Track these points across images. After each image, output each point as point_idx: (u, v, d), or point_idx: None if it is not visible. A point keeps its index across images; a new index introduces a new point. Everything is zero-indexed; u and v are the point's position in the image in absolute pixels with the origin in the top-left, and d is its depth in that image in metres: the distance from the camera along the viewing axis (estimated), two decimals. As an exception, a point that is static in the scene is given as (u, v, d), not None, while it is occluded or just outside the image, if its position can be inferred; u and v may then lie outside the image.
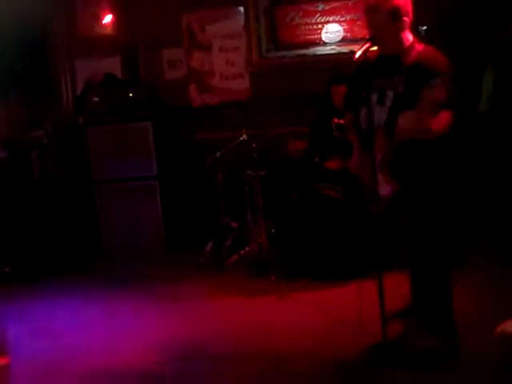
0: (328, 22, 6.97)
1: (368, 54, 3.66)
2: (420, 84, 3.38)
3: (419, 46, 3.67)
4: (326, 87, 6.01)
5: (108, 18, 7.25)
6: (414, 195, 3.63)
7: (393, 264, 3.93)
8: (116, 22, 7.27)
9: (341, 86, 5.71)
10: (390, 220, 3.77)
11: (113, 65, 7.23)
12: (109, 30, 7.32)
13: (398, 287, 3.73)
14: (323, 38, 6.98)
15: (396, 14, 3.61)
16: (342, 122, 5.42)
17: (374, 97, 3.68)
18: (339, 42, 6.95)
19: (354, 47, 6.78)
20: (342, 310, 4.47)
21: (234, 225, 6.26)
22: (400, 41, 3.66)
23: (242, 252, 5.96)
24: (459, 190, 4.47)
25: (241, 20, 7.10)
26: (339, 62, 6.61)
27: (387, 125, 3.59)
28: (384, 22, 3.62)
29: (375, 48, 3.77)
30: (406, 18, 3.65)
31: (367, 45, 3.65)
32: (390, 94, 3.62)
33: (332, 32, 6.96)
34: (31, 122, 7.11)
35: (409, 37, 3.69)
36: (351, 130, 4.08)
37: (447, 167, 3.75)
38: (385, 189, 3.67)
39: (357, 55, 3.61)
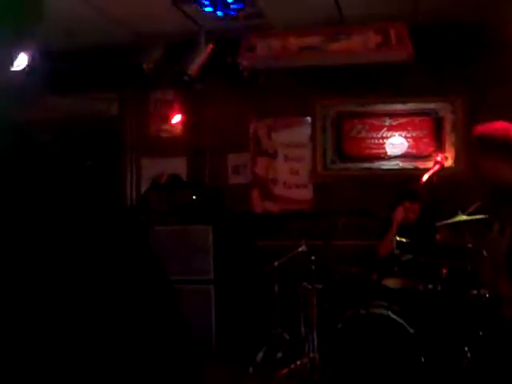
0: (394, 136, 7.01)
1: (435, 177, 3.65)
2: None
3: None
4: (396, 202, 5.97)
5: (177, 119, 7.43)
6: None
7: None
8: (185, 124, 7.45)
9: (415, 203, 5.74)
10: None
11: (179, 166, 7.37)
12: (177, 132, 7.49)
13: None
14: (386, 149, 6.99)
15: None
16: (404, 240, 5.37)
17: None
18: (404, 157, 6.95)
19: (418, 164, 6.81)
20: None
21: (287, 336, 6.13)
22: None
23: (294, 365, 5.80)
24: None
25: (307, 130, 7.19)
26: (404, 178, 6.61)
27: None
28: None
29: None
30: None
31: (436, 168, 3.66)
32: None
33: (395, 144, 6.97)
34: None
35: None
36: None
37: None
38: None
39: (424, 178, 3.61)
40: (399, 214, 5.78)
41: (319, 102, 7.13)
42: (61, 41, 6.63)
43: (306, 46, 6.63)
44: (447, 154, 6.67)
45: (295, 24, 6.52)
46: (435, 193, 4.29)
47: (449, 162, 6.55)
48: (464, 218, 4.30)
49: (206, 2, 4.89)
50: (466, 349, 4.78)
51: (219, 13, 4.96)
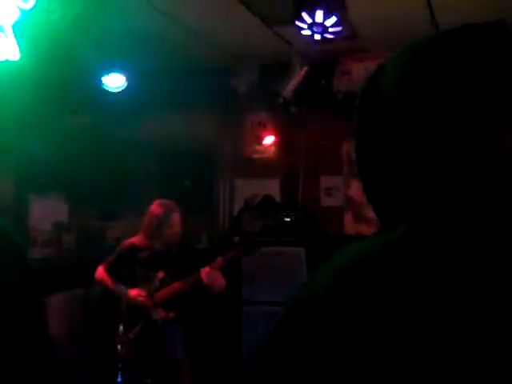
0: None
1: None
2: None
3: None
4: None
5: (269, 140, 7.46)
6: None
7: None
8: (278, 146, 7.47)
9: None
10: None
11: (272, 187, 7.38)
12: (270, 153, 7.52)
13: None
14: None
15: None
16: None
17: None
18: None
19: None
20: None
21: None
22: None
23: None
24: None
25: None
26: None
27: None
28: None
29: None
30: None
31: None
32: None
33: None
34: (187, 235, 7.32)
35: None
36: None
37: None
38: None
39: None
40: None
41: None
42: (158, 62, 6.80)
43: (402, 68, 6.53)
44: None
45: (389, 46, 6.44)
46: None
47: None
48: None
49: (304, 26, 4.89)
50: None
51: (317, 36, 4.94)
